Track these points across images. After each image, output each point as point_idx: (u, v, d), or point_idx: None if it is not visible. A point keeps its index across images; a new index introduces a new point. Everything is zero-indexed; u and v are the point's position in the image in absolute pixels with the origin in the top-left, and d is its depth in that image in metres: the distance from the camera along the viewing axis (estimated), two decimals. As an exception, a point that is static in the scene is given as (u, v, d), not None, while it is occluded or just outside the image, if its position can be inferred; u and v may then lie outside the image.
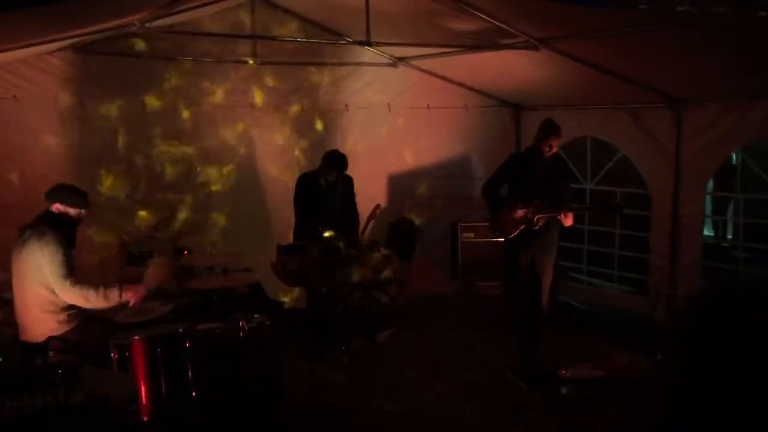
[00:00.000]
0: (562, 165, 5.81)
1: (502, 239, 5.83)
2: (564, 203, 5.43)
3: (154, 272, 4.58)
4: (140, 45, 6.17)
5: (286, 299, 6.75)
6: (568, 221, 5.33)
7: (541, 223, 5.43)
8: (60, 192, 4.39)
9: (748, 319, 1.16)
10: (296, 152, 6.97)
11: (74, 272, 4.30)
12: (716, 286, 1.27)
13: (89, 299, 4.23)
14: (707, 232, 10.75)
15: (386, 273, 5.95)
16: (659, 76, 5.62)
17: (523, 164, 5.68)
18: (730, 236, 10.61)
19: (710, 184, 6.86)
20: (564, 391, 5.02)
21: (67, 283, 4.18)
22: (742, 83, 5.28)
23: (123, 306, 4.38)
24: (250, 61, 6.46)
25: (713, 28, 4.09)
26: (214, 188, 6.67)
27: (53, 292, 4.24)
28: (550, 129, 5.47)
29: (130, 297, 4.35)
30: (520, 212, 5.49)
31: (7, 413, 2.63)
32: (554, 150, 5.49)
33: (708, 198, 9.24)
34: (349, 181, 6.19)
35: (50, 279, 4.17)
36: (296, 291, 6.73)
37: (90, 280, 4.46)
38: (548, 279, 5.61)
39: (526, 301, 5.66)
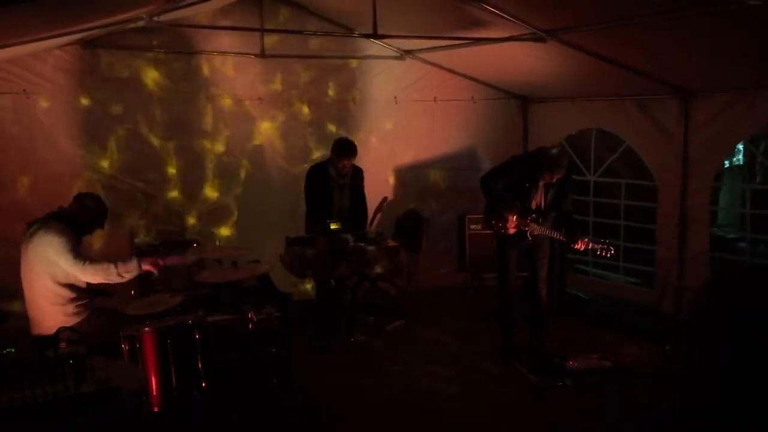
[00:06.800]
0: (567, 182, 5.46)
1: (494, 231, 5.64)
2: (566, 223, 5.27)
3: (178, 259, 4.75)
4: (149, 39, 6.19)
5: (294, 291, 6.79)
6: (579, 246, 5.08)
7: (535, 234, 5.31)
8: (85, 200, 4.48)
9: (762, 302, 1.18)
10: (305, 145, 6.99)
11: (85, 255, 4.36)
12: (731, 271, 1.29)
13: (109, 272, 4.27)
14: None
15: (394, 265, 5.96)
16: (667, 67, 5.59)
17: (528, 173, 5.36)
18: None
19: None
20: (569, 382, 5.03)
21: (82, 262, 4.22)
22: (750, 73, 5.25)
23: (145, 275, 4.48)
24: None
25: (721, 17, 4.08)
26: (223, 180, 6.70)
27: (59, 284, 4.28)
28: (552, 164, 5.16)
29: (150, 267, 4.41)
30: (512, 221, 5.34)
31: (20, 402, 2.66)
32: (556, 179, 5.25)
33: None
34: (359, 172, 6.21)
35: (65, 266, 4.21)
36: (305, 283, 6.76)
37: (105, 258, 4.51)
38: (544, 271, 5.55)
39: (525, 295, 5.63)
